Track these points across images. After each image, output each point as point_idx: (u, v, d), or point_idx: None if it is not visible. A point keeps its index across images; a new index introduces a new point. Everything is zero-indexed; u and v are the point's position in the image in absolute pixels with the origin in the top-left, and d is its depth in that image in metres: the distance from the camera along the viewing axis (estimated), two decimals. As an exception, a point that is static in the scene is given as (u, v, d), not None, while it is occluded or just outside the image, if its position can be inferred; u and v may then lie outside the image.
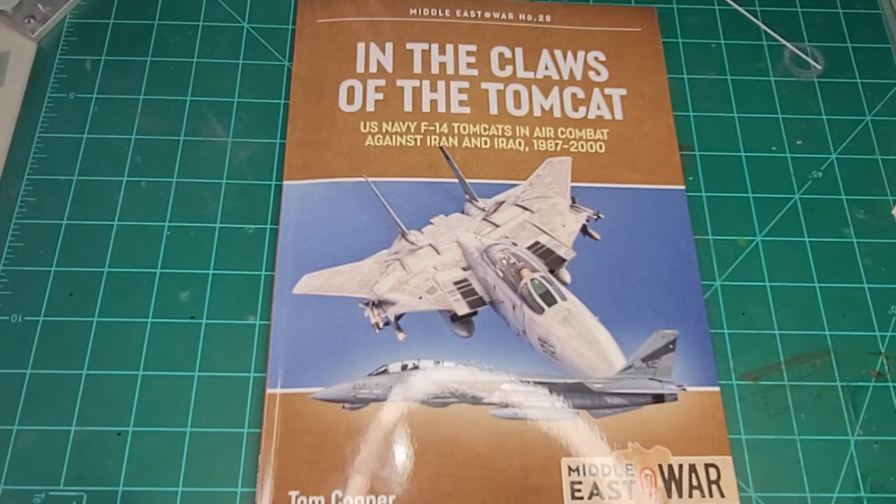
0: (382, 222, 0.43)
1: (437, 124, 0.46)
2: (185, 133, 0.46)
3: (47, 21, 0.49)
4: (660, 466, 0.38)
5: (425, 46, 0.49)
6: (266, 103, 0.48)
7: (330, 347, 0.40)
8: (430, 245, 0.43)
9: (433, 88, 0.47)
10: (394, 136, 0.46)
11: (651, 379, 0.40)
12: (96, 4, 0.50)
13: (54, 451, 0.38)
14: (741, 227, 0.45)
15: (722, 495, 0.38)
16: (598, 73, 0.49)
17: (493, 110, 0.47)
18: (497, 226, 0.44)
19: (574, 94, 0.48)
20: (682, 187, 0.45)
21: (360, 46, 0.48)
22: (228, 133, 0.47)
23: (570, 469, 0.38)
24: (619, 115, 0.47)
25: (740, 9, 0.52)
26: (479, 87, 0.48)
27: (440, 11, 0.50)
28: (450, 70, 0.48)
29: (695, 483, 0.38)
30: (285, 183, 0.44)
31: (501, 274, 0.42)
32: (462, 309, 0.41)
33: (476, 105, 0.47)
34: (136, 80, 0.48)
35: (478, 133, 0.46)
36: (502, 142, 0.46)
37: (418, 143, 0.45)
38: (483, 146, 0.46)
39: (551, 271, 0.42)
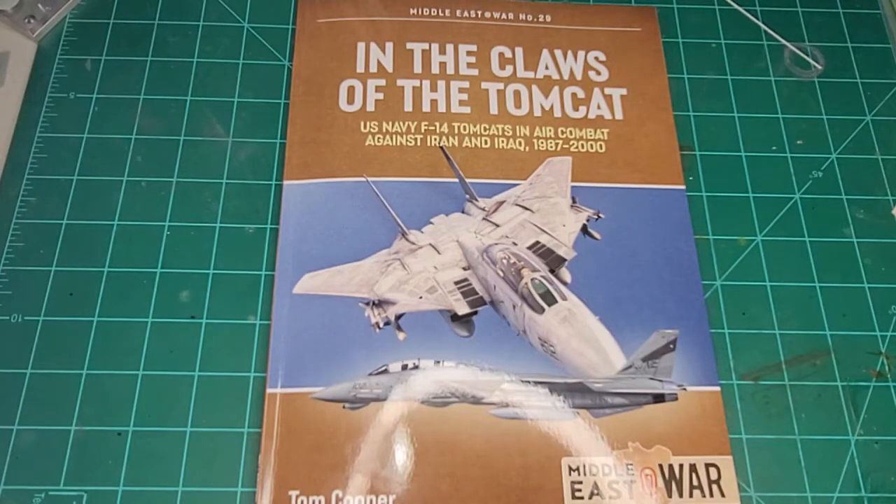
0: (382, 222, 0.43)
1: (438, 124, 0.46)
2: (185, 133, 0.46)
3: (47, 21, 0.49)
4: (660, 466, 0.38)
5: (425, 46, 0.49)
6: (266, 103, 0.48)
7: (330, 347, 0.40)
8: (430, 245, 0.43)
9: (433, 88, 0.47)
10: (394, 136, 0.46)
11: (651, 379, 0.40)
12: (96, 4, 0.50)
13: (54, 451, 0.38)
14: (741, 227, 0.45)
15: (722, 495, 0.38)
16: (598, 73, 0.49)
17: (494, 110, 0.47)
18: (497, 225, 0.44)
19: (574, 94, 0.48)
20: (683, 187, 0.45)
21: (361, 46, 0.48)
22: (228, 133, 0.47)
23: (570, 469, 0.38)
24: (619, 115, 0.47)
25: (740, 9, 0.52)
26: (479, 86, 0.48)
27: (440, 11, 0.50)
28: (450, 70, 0.48)
29: (695, 483, 0.38)
30: (285, 183, 0.44)
31: (502, 273, 0.42)
32: (462, 309, 0.41)
33: (476, 105, 0.47)
34: (136, 80, 0.48)
35: (478, 133, 0.46)
36: (502, 141, 0.46)
37: (418, 143, 0.45)
38: (483, 146, 0.46)
39: (552, 271, 0.42)
